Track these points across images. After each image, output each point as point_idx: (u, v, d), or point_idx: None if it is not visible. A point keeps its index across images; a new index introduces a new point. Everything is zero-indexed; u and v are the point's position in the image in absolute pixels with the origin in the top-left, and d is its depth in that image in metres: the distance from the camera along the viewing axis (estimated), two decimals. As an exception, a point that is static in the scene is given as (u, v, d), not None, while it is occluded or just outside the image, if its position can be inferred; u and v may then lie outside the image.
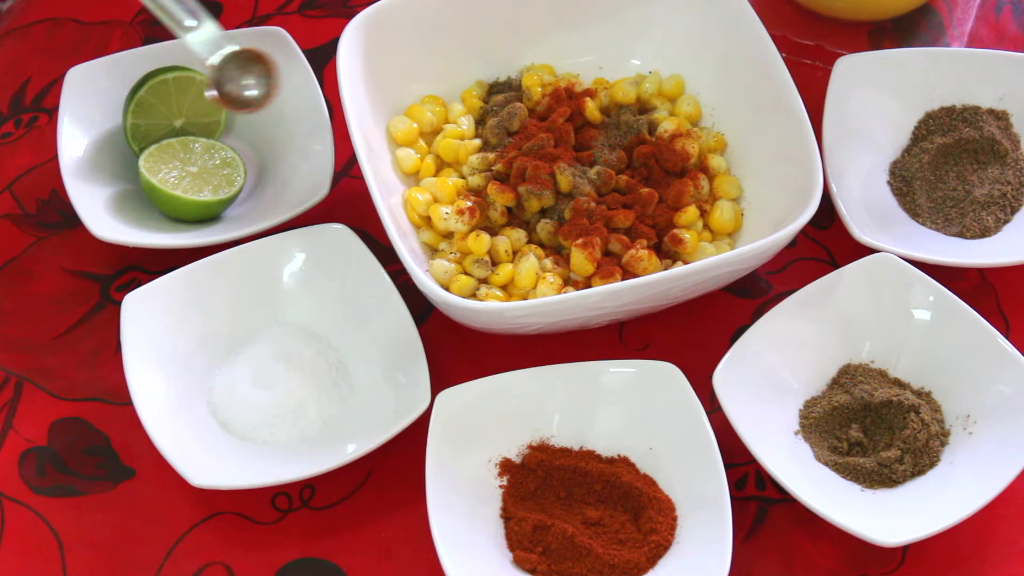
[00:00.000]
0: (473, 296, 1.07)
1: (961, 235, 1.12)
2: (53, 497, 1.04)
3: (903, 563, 0.99)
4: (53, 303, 1.13)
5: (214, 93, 1.00)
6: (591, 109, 1.15)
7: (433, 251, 1.11)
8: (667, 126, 1.14)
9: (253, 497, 1.03)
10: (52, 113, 1.22)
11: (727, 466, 0.99)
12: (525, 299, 1.06)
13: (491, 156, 1.13)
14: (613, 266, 1.07)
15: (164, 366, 1.05)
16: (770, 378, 1.04)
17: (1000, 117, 1.17)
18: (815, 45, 1.25)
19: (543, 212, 1.11)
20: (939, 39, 1.25)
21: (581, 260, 1.07)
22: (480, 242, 1.08)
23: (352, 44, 1.12)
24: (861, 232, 1.09)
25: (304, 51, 1.19)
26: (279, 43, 1.19)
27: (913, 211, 1.14)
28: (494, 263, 1.09)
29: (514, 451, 1.02)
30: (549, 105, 1.15)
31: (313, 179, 1.13)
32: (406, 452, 1.03)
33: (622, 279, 1.06)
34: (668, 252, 1.09)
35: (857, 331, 1.06)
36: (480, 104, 1.17)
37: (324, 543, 1.01)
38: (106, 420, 1.07)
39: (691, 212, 1.10)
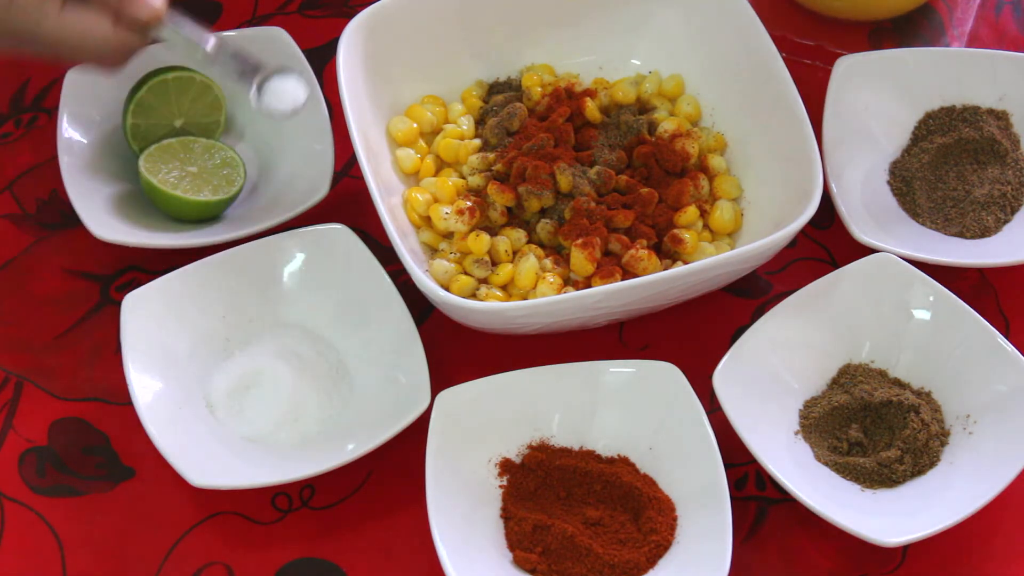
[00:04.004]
0: (473, 296, 1.07)
1: (961, 235, 1.12)
2: (53, 497, 1.04)
3: (903, 563, 0.99)
4: (53, 303, 1.13)
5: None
6: (591, 109, 1.15)
7: (433, 251, 1.11)
8: (667, 126, 1.14)
9: (253, 497, 1.03)
10: (52, 113, 1.22)
11: (727, 466, 0.99)
12: (525, 299, 1.06)
13: (491, 156, 1.13)
14: (613, 266, 1.07)
15: (164, 366, 1.05)
16: (770, 378, 1.04)
17: (1000, 117, 1.17)
18: (815, 45, 1.25)
19: (543, 212, 1.11)
20: (939, 39, 1.25)
21: (581, 260, 1.07)
22: (480, 242, 1.08)
23: (352, 44, 1.12)
24: (861, 232, 1.09)
25: (304, 51, 1.19)
26: (279, 43, 1.19)
27: (913, 211, 1.14)
28: (494, 263, 1.09)
29: (514, 451, 1.02)
30: (549, 105, 1.15)
31: (313, 179, 1.13)
32: (406, 452, 1.03)
33: (622, 279, 1.06)
34: (668, 252, 1.09)
35: (857, 331, 1.06)
36: (480, 104, 1.17)
37: (324, 543, 1.01)
38: (106, 420, 1.07)
39: (691, 212, 1.10)
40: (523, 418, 1.03)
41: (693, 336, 1.10)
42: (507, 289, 1.08)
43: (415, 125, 1.15)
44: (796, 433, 1.03)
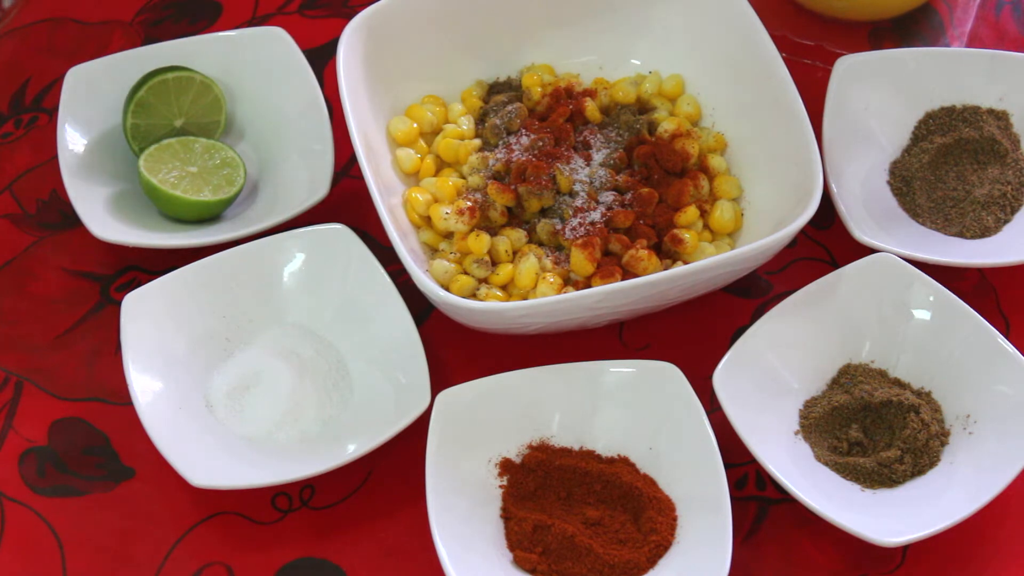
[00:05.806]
0: (473, 296, 1.07)
1: (961, 235, 1.12)
2: (53, 497, 1.04)
3: (903, 563, 0.99)
4: (53, 303, 1.13)
5: None
6: (591, 109, 1.15)
7: (433, 251, 1.11)
8: (667, 126, 1.14)
9: (253, 497, 1.03)
10: (52, 113, 1.22)
11: (727, 466, 0.99)
12: (525, 299, 1.06)
13: (491, 156, 1.13)
14: (613, 266, 1.07)
15: (164, 366, 1.05)
16: (770, 378, 1.04)
17: (1000, 117, 1.17)
18: (815, 45, 1.25)
19: (543, 212, 1.11)
20: (939, 39, 1.25)
21: (581, 260, 1.07)
22: (480, 242, 1.08)
23: (352, 44, 1.12)
24: (861, 232, 1.09)
25: (304, 51, 1.19)
26: (279, 43, 1.19)
27: (913, 211, 1.14)
28: (494, 263, 1.09)
29: (514, 451, 1.02)
30: (549, 105, 1.15)
31: (313, 179, 1.13)
32: (406, 452, 1.03)
33: (622, 279, 1.06)
34: (668, 252, 1.09)
35: (857, 331, 1.06)
36: (480, 104, 1.17)
37: (324, 543, 1.01)
38: (106, 420, 1.07)
39: (691, 212, 1.10)
40: (523, 418, 1.03)
41: (693, 336, 1.10)
42: (507, 289, 1.08)
43: (415, 125, 1.15)
44: (796, 433, 1.03)
